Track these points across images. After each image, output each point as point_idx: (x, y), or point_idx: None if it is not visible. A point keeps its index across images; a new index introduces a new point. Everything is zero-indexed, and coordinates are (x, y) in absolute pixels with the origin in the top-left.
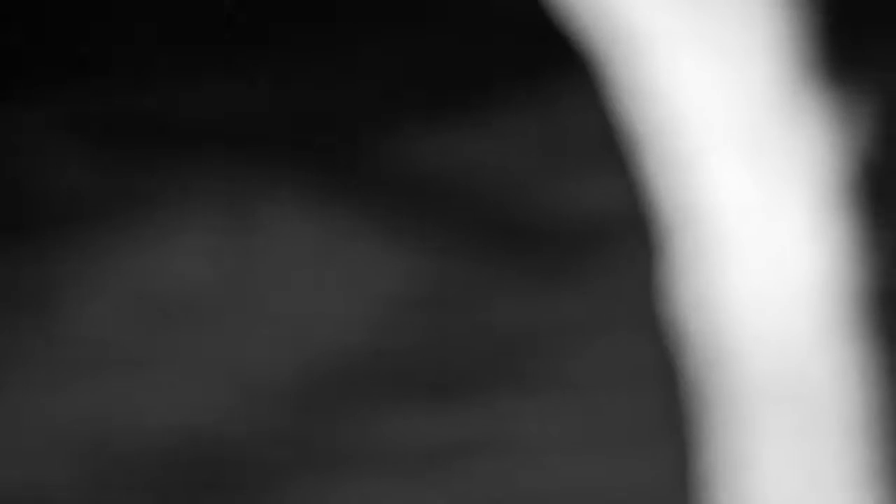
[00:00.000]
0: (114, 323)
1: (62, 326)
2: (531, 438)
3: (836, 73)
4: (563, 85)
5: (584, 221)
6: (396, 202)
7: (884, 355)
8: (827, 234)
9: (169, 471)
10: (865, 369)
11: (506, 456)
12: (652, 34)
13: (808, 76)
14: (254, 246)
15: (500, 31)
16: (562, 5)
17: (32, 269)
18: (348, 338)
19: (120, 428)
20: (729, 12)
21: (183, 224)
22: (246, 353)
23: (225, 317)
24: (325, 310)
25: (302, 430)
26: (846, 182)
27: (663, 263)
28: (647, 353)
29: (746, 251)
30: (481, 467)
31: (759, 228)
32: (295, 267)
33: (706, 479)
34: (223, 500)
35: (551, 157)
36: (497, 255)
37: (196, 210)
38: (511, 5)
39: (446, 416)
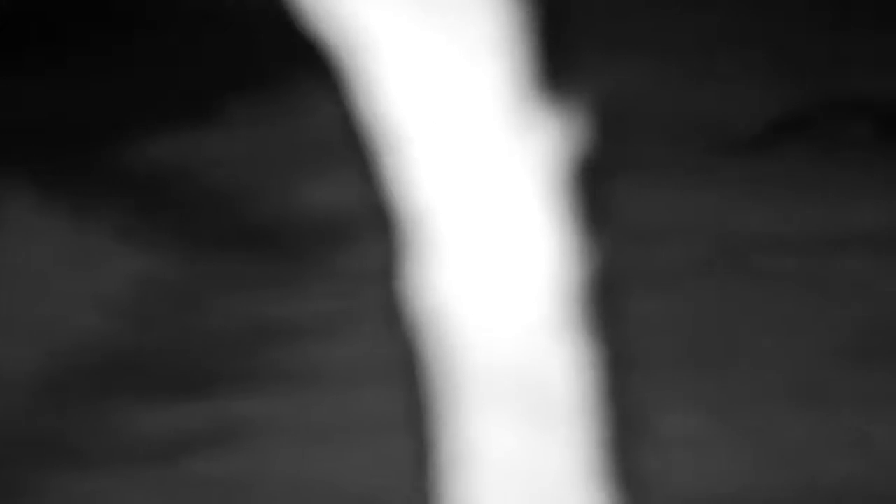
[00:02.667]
0: None
1: None
2: (274, 432)
3: (553, 77)
4: (304, 85)
5: (326, 220)
6: (136, 202)
7: (605, 348)
8: (549, 231)
9: None
10: (590, 362)
11: (248, 449)
12: (384, 36)
13: (529, 80)
14: None
15: (241, 31)
16: (302, 7)
17: None
18: (88, 337)
19: None
20: (456, 16)
21: None
22: None
23: None
24: (63, 309)
25: (44, 428)
26: (565, 182)
27: (402, 261)
28: (388, 348)
29: (476, 248)
30: (224, 460)
31: (488, 226)
32: (34, 266)
33: (441, 473)
34: None
35: (292, 157)
36: (240, 253)
37: None
38: (252, 6)
39: (188, 413)
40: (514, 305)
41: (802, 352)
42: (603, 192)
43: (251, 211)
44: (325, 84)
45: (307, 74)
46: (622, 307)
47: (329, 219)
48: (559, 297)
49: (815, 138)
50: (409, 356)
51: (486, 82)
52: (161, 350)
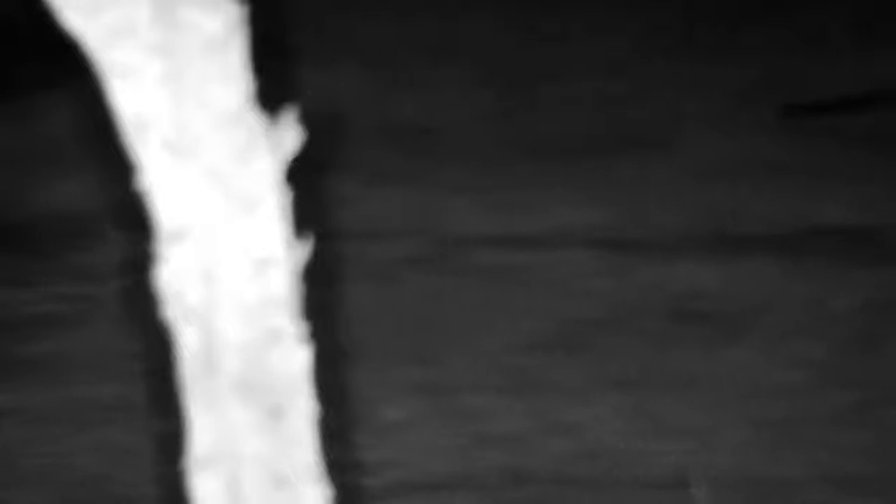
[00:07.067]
0: None
1: None
2: (15, 419)
3: (271, 81)
4: (45, 87)
5: (68, 218)
6: None
7: (326, 341)
8: (277, 231)
9: None
10: (314, 355)
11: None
12: (119, 37)
13: (251, 82)
14: None
15: None
16: (46, 11)
17: None
18: None
19: None
20: (185, 16)
21: None
22: None
23: None
24: None
25: None
26: (286, 181)
27: (143, 258)
28: (128, 343)
29: (212, 246)
30: None
31: (222, 226)
32: None
33: (181, 465)
34: None
35: (34, 158)
36: None
37: None
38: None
39: None
40: (248, 302)
41: (511, 343)
42: (321, 192)
43: None
44: (66, 86)
45: (49, 77)
46: (341, 302)
47: (71, 217)
48: (288, 294)
49: (516, 144)
50: (150, 351)
51: (214, 82)
52: None
